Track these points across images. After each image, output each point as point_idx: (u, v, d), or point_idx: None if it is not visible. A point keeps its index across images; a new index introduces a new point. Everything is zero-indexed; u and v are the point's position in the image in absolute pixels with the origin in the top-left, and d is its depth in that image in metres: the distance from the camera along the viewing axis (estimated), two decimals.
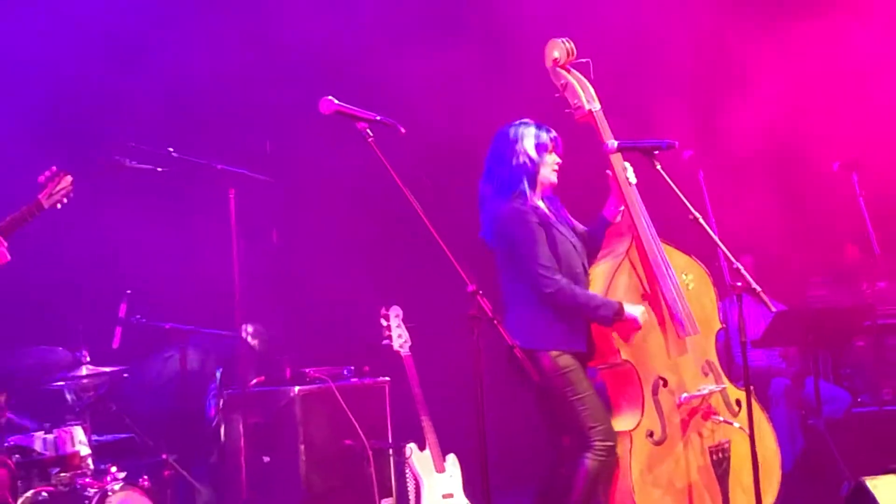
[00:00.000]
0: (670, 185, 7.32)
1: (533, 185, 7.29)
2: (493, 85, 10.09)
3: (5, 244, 6.44)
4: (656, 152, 7.31)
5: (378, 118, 6.51)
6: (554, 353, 7.13)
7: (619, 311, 7.10)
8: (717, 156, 8.27)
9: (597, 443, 7.09)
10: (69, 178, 6.70)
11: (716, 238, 7.35)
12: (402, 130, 6.60)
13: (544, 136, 7.36)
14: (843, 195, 10.05)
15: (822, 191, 10.28)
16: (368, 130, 6.46)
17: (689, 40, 10.20)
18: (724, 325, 7.46)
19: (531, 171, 7.29)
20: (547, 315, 7.17)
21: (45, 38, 10.09)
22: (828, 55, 10.73)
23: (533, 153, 7.30)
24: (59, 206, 6.68)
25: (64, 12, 10.17)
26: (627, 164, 7.44)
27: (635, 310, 7.16)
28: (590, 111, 7.42)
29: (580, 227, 7.54)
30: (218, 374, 9.34)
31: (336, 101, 6.49)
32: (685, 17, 10.44)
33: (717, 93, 10.43)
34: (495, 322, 6.03)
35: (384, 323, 8.97)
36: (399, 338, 8.95)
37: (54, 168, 6.67)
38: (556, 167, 7.38)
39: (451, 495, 8.89)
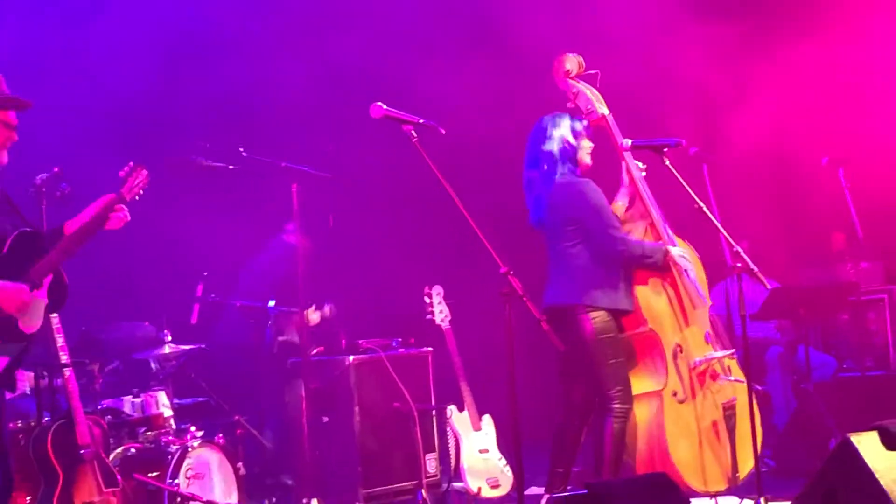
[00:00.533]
0: (678, 179, 7.51)
1: (574, 167, 7.40)
2: (514, 92, 10.12)
3: (125, 212, 6.47)
4: (665, 149, 7.45)
5: (421, 121, 6.64)
6: (596, 315, 7.22)
7: (667, 251, 7.34)
8: (719, 152, 8.34)
9: (616, 405, 7.18)
10: (145, 172, 6.61)
11: (718, 225, 7.50)
12: (443, 131, 6.74)
13: (578, 125, 7.45)
14: (831, 187, 10.13)
15: (812, 183, 10.29)
16: (413, 132, 6.60)
17: (694, 52, 10.17)
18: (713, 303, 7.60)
19: (571, 154, 7.39)
20: (598, 273, 7.27)
21: (127, 45, 10.08)
22: (819, 65, 10.63)
23: (571, 139, 7.39)
24: (137, 197, 6.59)
25: (143, 21, 10.23)
26: (639, 162, 7.58)
27: (676, 250, 7.41)
28: (602, 115, 7.54)
29: None
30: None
31: (384, 107, 6.63)
32: (688, 30, 10.44)
33: (719, 97, 10.40)
34: (525, 299, 6.19)
35: (427, 300, 9.11)
36: (440, 313, 9.10)
37: (132, 163, 6.60)
38: (590, 149, 7.49)
39: (486, 451, 9.03)
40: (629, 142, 7.45)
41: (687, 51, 10.10)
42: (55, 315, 6.97)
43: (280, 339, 9.43)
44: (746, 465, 7.34)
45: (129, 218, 6.45)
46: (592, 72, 7.64)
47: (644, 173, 7.56)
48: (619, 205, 7.58)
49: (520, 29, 10.41)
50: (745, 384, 7.47)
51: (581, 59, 7.64)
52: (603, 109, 7.56)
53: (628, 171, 7.54)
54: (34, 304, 6.06)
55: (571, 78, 7.64)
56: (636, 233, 7.52)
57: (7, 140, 6.18)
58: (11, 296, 5.95)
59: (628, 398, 7.26)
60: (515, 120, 8.41)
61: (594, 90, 7.62)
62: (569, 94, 7.64)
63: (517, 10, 10.49)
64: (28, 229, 6.24)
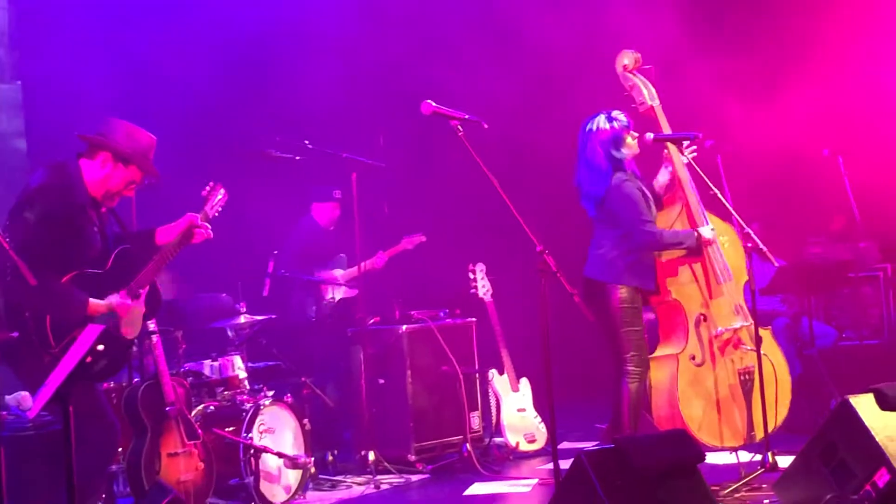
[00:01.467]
0: (695, 168, 7.46)
1: (618, 161, 7.33)
2: (551, 87, 10.01)
3: (208, 230, 6.45)
4: (685, 142, 7.46)
5: (466, 117, 6.60)
6: (624, 289, 7.23)
7: (699, 234, 7.30)
8: (731, 144, 8.26)
9: (631, 367, 7.21)
10: (223, 191, 6.67)
11: (731, 209, 7.45)
12: (485, 126, 6.70)
13: (617, 125, 7.37)
14: (831, 175, 10.07)
15: (814, 172, 10.22)
16: (459, 127, 6.56)
17: (710, 58, 10.14)
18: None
19: (614, 149, 7.33)
20: (629, 256, 7.27)
21: (205, 50, 10.07)
22: (821, 65, 10.62)
23: (611, 141, 7.34)
24: (216, 214, 6.65)
25: (218, 26, 10.20)
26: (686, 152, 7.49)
27: (706, 231, 7.35)
28: (651, 106, 7.58)
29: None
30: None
31: (434, 104, 6.59)
32: (700, 33, 10.41)
33: (730, 94, 10.36)
34: (558, 275, 6.17)
35: (471, 276, 9.15)
36: (483, 287, 9.13)
37: (211, 183, 6.64)
38: (635, 140, 7.41)
39: (523, 409, 9.10)
40: (651, 135, 7.42)
41: (702, 56, 10.02)
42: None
43: (339, 309, 9.35)
44: (771, 424, 7.23)
45: (211, 235, 6.50)
46: (647, 67, 7.64)
47: (685, 160, 7.44)
48: (660, 180, 7.58)
49: (548, 28, 10.28)
50: (762, 353, 7.37)
51: (638, 55, 7.66)
52: (653, 102, 7.59)
53: (669, 158, 7.51)
54: (135, 313, 6.12)
55: (629, 71, 7.64)
56: (673, 212, 7.52)
57: (126, 193, 6.34)
58: (123, 308, 6.07)
59: (642, 362, 7.27)
60: (553, 114, 8.36)
61: (648, 83, 7.63)
62: (625, 86, 7.66)
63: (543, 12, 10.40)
64: (128, 246, 6.26)
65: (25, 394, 7.57)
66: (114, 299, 6.01)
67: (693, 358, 7.35)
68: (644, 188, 7.40)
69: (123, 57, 9.59)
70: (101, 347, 5.88)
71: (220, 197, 6.63)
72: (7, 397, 7.37)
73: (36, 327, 5.74)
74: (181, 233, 6.37)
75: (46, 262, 5.80)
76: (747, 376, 7.37)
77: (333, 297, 9.01)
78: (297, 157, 8.41)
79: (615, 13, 10.24)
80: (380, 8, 10.66)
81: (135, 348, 7.61)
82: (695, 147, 7.45)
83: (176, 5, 10.29)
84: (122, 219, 6.51)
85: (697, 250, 7.38)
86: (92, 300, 5.93)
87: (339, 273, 9.42)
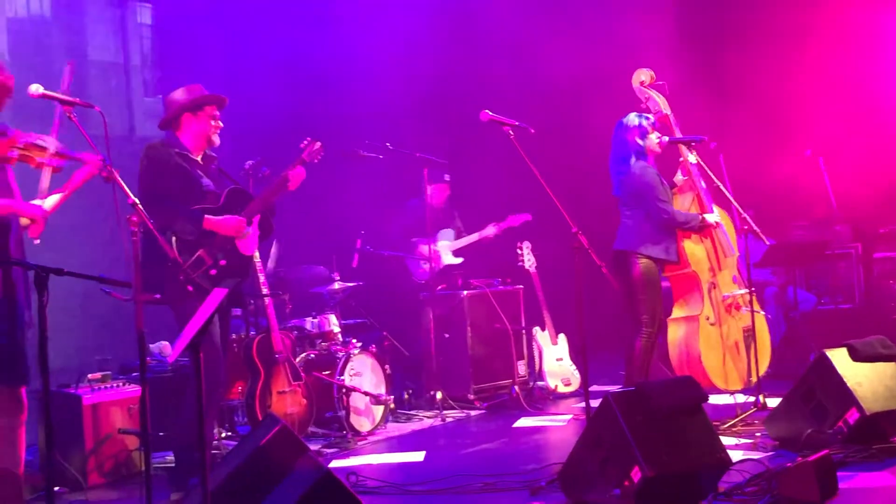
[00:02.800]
0: (702, 165, 7.45)
1: (642, 155, 7.32)
2: (602, 85, 9.89)
3: (304, 173, 6.43)
4: (693, 144, 7.46)
5: (517, 123, 6.60)
6: (643, 259, 7.22)
7: (703, 219, 7.30)
8: (731, 146, 8.22)
9: (644, 328, 7.21)
10: (319, 144, 6.61)
11: (731, 198, 7.47)
12: (532, 131, 6.70)
13: (644, 122, 7.36)
14: (813, 171, 10.03)
15: (799, 168, 10.14)
16: (510, 131, 6.56)
17: (705, 69, 10.08)
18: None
19: (640, 145, 7.31)
20: (650, 232, 7.26)
21: (303, 63, 10.20)
22: (805, 74, 10.52)
23: (639, 135, 7.32)
24: (315, 161, 6.58)
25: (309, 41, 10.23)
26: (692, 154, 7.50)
27: (711, 217, 7.35)
28: (665, 115, 7.55)
29: None
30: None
31: (490, 113, 6.59)
32: (699, 54, 10.31)
33: (728, 103, 10.30)
34: (590, 251, 6.19)
35: (519, 252, 9.18)
36: (529, 261, 9.15)
37: (308, 139, 6.61)
38: (658, 139, 7.38)
39: (561, 359, 9.12)
40: (666, 139, 7.41)
41: (701, 62, 9.94)
42: (258, 260, 7.05)
43: (443, 274, 9.38)
44: (761, 370, 7.36)
45: (304, 175, 6.46)
46: (660, 83, 7.61)
47: (694, 159, 7.48)
48: (679, 177, 7.58)
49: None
50: (760, 314, 7.49)
51: (653, 72, 7.64)
52: (666, 111, 7.57)
53: (684, 157, 7.49)
54: (247, 231, 6.14)
55: (645, 86, 7.62)
56: (686, 200, 7.51)
57: (216, 128, 6.25)
58: (233, 223, 6.05)
59: (653, 324, 7.26)
60: (586, 120, 8.34)
61: (661, 96, 7.60)
62: (641, 98, 7.62)
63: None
64: (239, 187, 6.33)
65: (166, 343, 7.72)
66: (227, 218, 6.05)
67: (708, 318, 7.34)
68: (661, 177, 7.39)
69: (241, 72, 9.66)
70: (223, 262, 5.99)
71: (316, 148, 6.60)
72: (151, 346, 7.51)
73: (167, 264, 5.71)
74: (281, 177, 6.39)
75: (167, 199, 5.92)
76: (749, 332, 7.37)
77: (430, 267, 8.97)
78: (381, 156, 8.45)
79: (626, 33, 10.17)
80: (437, 39, 10.62)
81: (252, 306, 7.72)
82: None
83: (279, 34, 10.35)
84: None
85: (705, 231, 7.39)
86: (207, 216, 5.99)
87: (445, 244, 9.39)
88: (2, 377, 4.87)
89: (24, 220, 5.13)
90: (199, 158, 6.20)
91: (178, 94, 6.25)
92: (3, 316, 4.83)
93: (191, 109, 6.16)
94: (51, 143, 5.06)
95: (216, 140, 6.27)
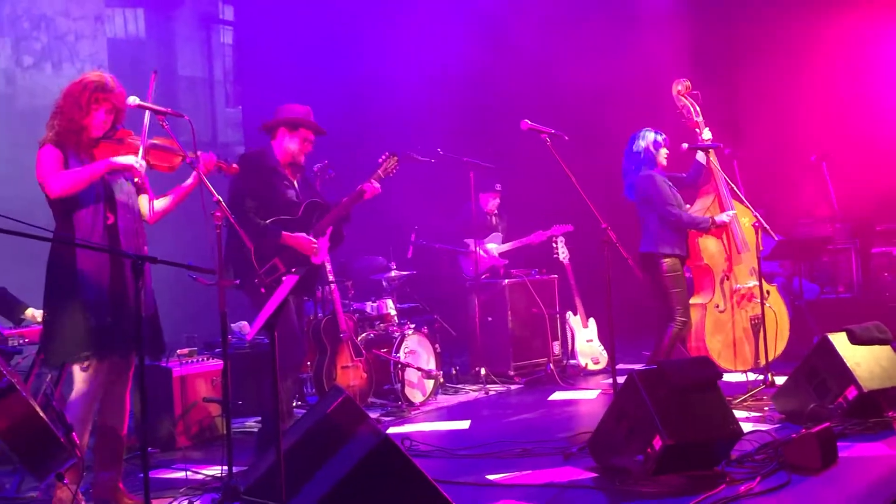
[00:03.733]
0: (717, 168, 7.39)
1: (654, 164, 7.28)
2: (628, 95, 9.91)
3: (379, 188, 6.41)
4: (710, 149, 7.41)
5: (553, 131, 6.58)
6: (668, 259, 7.17)
7: (713, 221, 7.25)
8: (745, 152, 8.17)
9: (678, 317, 7.15)
10: (396, 159, 6.54)
11: (744, 199, 7.41)
12: (566, 138, 6.67)
13: (658, 138, 7.31)
14: (818, 175, 9.94)
15: (806, 172, 10.08)
16: (547, 138, 6.54)
17: (721, 76, 10.01)
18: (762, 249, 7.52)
19: (651, 157, 7.27)
20: (666, 233, 7.20)
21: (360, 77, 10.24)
22: (810, 85, 10.44)
23: (652, 148, 7.28)
24: (390, 175, 6.51)
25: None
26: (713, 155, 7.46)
27: (722, 216, 7.30)
28: (696, 122, 7.47)
29: (679, 175, 7.53)
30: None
31: (530, 122, 6.56)
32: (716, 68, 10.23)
33: (741, 114, 10.22)
34: (617, 245, 6.16)
35: (554, 245, 9.13)
36: (563, 253, 9.10)
37: (387, 153, 6.54)
38: (666, 154, 7.35)
39: (591, 340, 9.07)
40: (686, 145, 7.36)
41: (716, 77, 9.85)
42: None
43: (489, 271, 9.34)
44: (772, 354, 7.32)
45: (379, 190, 6.43)
46: (695, 92, 7.55)
47: (715, 163, 7.44)
48: (697, 207, 7.52)
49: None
50: (778, 308, 7.49)
51: (689, 83, 7.57)
52: (698, 118, 7.49)
53: (708, 161, 7.44)
54: (317, 249, 6.10)
55: (682, 95, 7.55)
56: (707, 200, 7.49)
57: (305, 149, 6.25)
58: (305, 244, 6.03)
59: (686, 314, 7.21)
60: (619, 121, 8.31)
61: (695, 103, 7.52)
62: (678, 105, 7.55)
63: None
64: (316, 200, 6.27)
65: (244, 323, 7.77)
66: (299, 236, 6.01)
67: (717, 307, 7.33)
68: (670, 183, 7.34)
69: (310, 85, 9.69)
70: (294, 270, 5.99)
71: (392, 163, 6.52)
72: (232, 325, 7.57)
73: (248, 259, 5.73)
74: (355, 193, 6.33)
75: (253, 211, 5.92)
76: (756, 321, 7.32)
77: (478, 265, 8.99)
78: (433, 160, 8.45)
79: (646, 49, 10.11)
80: (483, 58, 10.60)
81: (322, 293, 7.75)
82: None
83: (342, 53, 10.41)
84: (320, 194, 6.53)
85: (718, 230, 7.33)
86: (285, 232, 5.98)
87: (493, 247, 9.36)
88: (115, 349, 4.92)
89: (143, 211, 5.16)
90: (287, 170, 6.20)
91: (285, 108, 6.25)
92: (113, 298, 4.88)
93: (288, 126, 6.17)
94: (162, 144, 5.12)
95: (302, 160, 6.27)
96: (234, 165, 5.30)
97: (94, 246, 4.80)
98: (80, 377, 4.87)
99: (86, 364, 4.86)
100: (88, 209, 4.86)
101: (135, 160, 4.87)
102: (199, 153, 5.11)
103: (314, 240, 6.07)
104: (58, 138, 4.84)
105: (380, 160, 6.54)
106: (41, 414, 3.77)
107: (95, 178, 4.84)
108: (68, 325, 4.79)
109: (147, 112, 4.97)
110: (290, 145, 6.16)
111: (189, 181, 5.14)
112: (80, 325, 4.79)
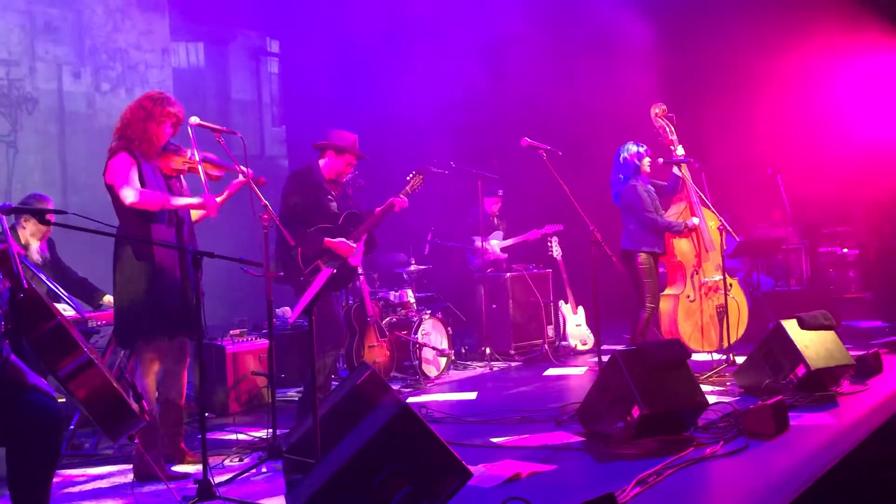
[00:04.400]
0: (688, 180, 7.38)
1: (638, 174, 7.26)
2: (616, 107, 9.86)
3: (407, 203, 6.42)
4: (683, 163, 7.38)
5: (549, 148, 6.58)
6: (643, 254, 7.17)
7: (685, 224, 7.25)
8: (711, 166, 8.14)
9: (647, 304, 7.18)
10: (422, 177, 6.59)
11: (710, 206, 7.41)
12: (560, 153, 6.66)
13: (640, 149, 7.29)
14: (773, 186, 9.88)
15: (762, 182, 10.03)
16: (544, 154, 6.53)
17: (692, 96, 10.00)
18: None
19: (635, 167, 7.25)
20: (644, 234, 7.20)
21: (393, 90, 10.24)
22: (768, 105, 10.44)
23: (636, 159, 7.26)
24: (415, 191, 6.57)
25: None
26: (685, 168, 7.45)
27: (692, 220, 7.30)
28: (672, 140, 7.45)
29: (661, 184, 7.52)
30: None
31: (529, 140, 6.56)
32: (699, 87, 10.21)
33: (708, 133, 10.19)
34: (603, 244, 6.17)
35: (549, 244, 9.11)
36: (556, 251, 9.09)
37: (415, 172, 6.59)
38: (649, 165, 7.31)
39: (580, 325, 9.04)
40: (661, 160, 7.36)
41: (686, 96, 9.83)
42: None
43: (492, 264, 9.28)
44: (734, 337, 7.37)
45: (406, 204, 6.44)
46: (670, 115, 7.53)
47: (686, 176, 7.45)
48: (671, 213, 7.47)
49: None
50: (739, 298, 7.54)
51: (664, 106, 7.55)
52: (673, 136, 7.46)
53: (681, 173, 7.44)
54: (355, 251, 6.13)
55: (658, 116, 7.52)
56: (680, 207, 7.46)
57: (347, 171, 6.31)
58: (344, 248, 6.04)
59: (654, 301, 7.22)
60: (601, 144, 8.28)
61: (670, 124, 7.50)
62: (655, 125, 7.52)
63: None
64: (354, 211, 6.28)
65: (287, 308, 7.78)
66: (339, 241, 6.03)
67: (688, 297, 7.32)
68: (651, 190, 7.31)
69: (343, 107, 9.73)
70: (335, 270, 6.03)
71: (418, 181, 6.57)
72: (277, 310, 7.58)
73: (294, 260, 5.82)
74: (386, 205, 6.34)
75: (299, 219, 5.94)
76: (720, 309, 7.31)
77: (482, 258, 8.98)
78: (446, 171, 8.42)
79: (625, 80, 10.08)
80: (489, 84, 10.57)
81: (353, 284, 7.75)
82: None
83: (370, 79, 10.41)
84: (357, 203, 6.55)
85: (689, 232, 7.32)
86: (327, 238, 6.00)
87: (495, 243, 9.33)
88: (180, 331, 4.93)
89: (194, 214, 5.18)
90: (330, 185, 6.21)
91: (337, 134, 6.24)
92: (181, 287, 4.88)
93: (336, 150, 6.18)
94: (212, 158, 5.12)
95: (343, 179, 6.34)
96: (262, 178, 5.25)
97: (171, 244, 4.81)
98: (150, 355, 4.87)
99: (157, 343, 4.87)
100: (164, 212, 4.89)
101: (203, 203, 4.92)
102: (241, 167, 5.12)
103: (350, 244, 6.08)
104: (130, 147, 4.83)
105: (408, 178, 6.56)
106: (115, 384, 3.78)
107: (167, 208, 4.87)
108: (144, 310, 4.79)
109: (191, 129, 4.97)
110: (336, 166, 6.19)
111: (222, 197, 5.13)
112: (155, 310, 4.80)
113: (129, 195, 4.74)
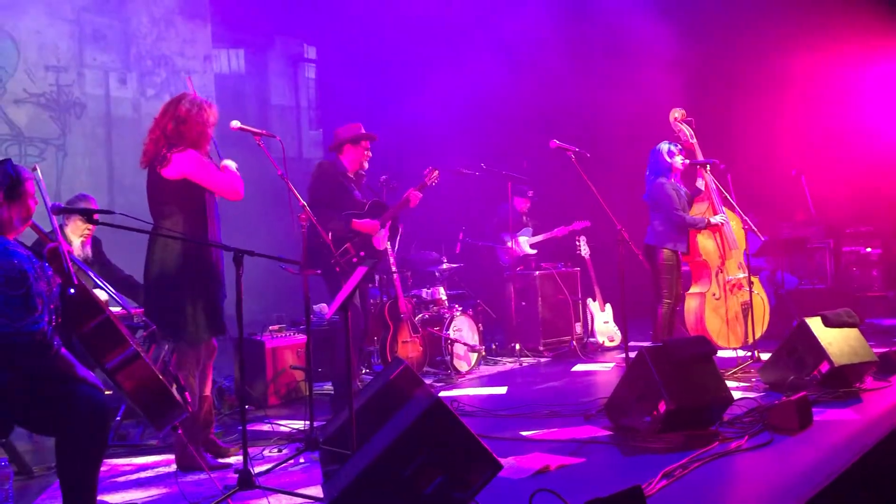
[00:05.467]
0: (713, 181, 7.32)
1: (669, 172, 7.22)
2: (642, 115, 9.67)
3: (421, 195, 6.48)
4: (707, 165, 7.33)
5: (577, 149, 6.56)
6: (666, 251, 7.12)
7: (709, 221, 7.19)
8: (737, 167, 8.07)
9: (664, 300, 7.12)
10: (437, 172, 6.67)
11: (736, 206, 7.35)
12: (588, 155, 6.64)
13: (672, 147, 7.25)
14: (797, 186, 9.81)
15: (787, 183, 9.96)
16: (572, 155, 6.51)
17: (720, 102, 9.89)
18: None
19: (667, 165, 7.21)
20: (669, 232, 7.14)
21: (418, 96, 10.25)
22: (793, 109, 10.33)
23: (667, 157, 7.21)
24: (432, 185, 6.63)
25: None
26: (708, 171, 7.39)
27: (716, 219, 7.23)
28: (691, 143, 7.40)
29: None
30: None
31: (557, 141, 6.54)
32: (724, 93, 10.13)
33: (735, 135, 10.11)
34: (630, 243, 6.15)
35: (577, 243, 9.07)
36: (584, 250, 9.04)
37: (430, 167, 6.66)
38: (683, 163, 7.26)
39: (607, 322, 9.00)
40: (687, 161, 7.30)
41: (712, 97, 9.75)
42: (390, 248, 7.10)
43: (522, 261, 9.28)
44: (757, 334, 7.29)
45: (420, 196, 6.53)
46: (689, 119, 7.48)
47: (710, 177, 7.39)
48: (700, 183, 7.42)
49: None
50: (761, 295, 7.44)
51: (684, 111, 7.50)
52: (692, 140, 7.42)
53: (701, 173, 7.39)
54: (380, 232, 6.28)
55: (678, 121, 7.49)
56: (702, 206, 7.39)
57: (367, 156, 6.41)
58: (370, 225, 6.20)
59: (670, 296, 7.15)
60: (630, 142, 8.25)
61: (689, 128, 7.46)
62: (674, 129, 7.48)
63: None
64: (378, 200, 6.42)
65: (323, 305, 7.81)
66: (367, 220, 6.19)
67: (714, 295, 7.24)
68: (679, 189, 7.27)
69: (375, 111, 9.74)
70: (362, 253, 6.11)
71: (434, 175, 6.66)
72: (314, 306, 7.62)
73: (325, 247, 5.83)
74: (404, 198, 6.47)
75: (328, 207, 6.07)
76: (745, 307, 7.25)
77: (512, 255, 8.98)
78: (477, 173, 8.44)
79: (654, 83, 10.02)
80: (519, 87, 10.57)
81: (387, 278, 7.78)
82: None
83: (401, 84, 10.43)
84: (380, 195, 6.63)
85: (713, 229, 7.25)
86: (354, 219, 6.15)
87: (524, 240, 9.31)
88: (217, 329, 4.93)
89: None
90: (352, 176, 6.35)
91: (344, 129, 6.37)
92: (220, 285, 4.89)
93: (351, 142, 6.30)
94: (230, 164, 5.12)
95: (366, 165, 6.44)
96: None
97: (214, 243, 4.80)
98: (192, 351, 4.87)
99: (204, 339, 4.87)
100: (213, 210, 4.89)
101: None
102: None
103: (378, 223, 6.24)
104: (192, 144, 4.81)
105: (424, 172, 6.66)
106: (160, 377, 3.82)
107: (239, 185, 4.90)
108: (192, 307, 4.75)
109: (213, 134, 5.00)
110: (357, 156, 6.33)
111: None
112: (203, 307, 4.77)
113: (240, 190, 4.80)
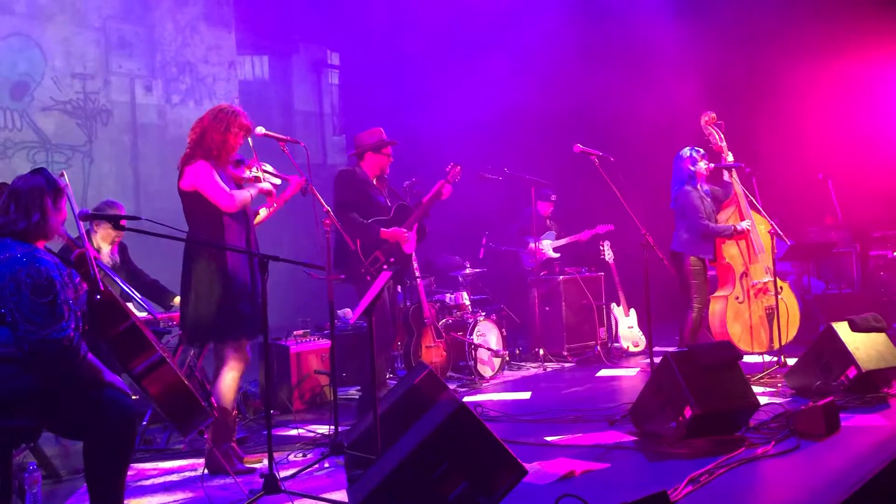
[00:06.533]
0: (739, 185, 7.27)
1: (693, 178, 7.19)
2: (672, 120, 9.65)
3: (451, 188, 6.53)
4: (732, 169, 7.28)
5: (601, 153, 6.53)
6: (693, 258, 7.10)
7: (734, 228, 7.13)
8: (763, 171, 8.01)
9: (694, 304, 7.08)
10: (459, 168, 6.64)
11: (762, 210, 7.29)
12: (612, 159, 6.61)
13: (694, 153, 7.21)
14: (824, 190, 9.73)
15: (814, 187, 9.87)
16: (595, 159, 6.49)
17: (743, 106, 9.83)
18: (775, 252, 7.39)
19: (691, 173, 7.18)
20: (695, 239, 7.12)
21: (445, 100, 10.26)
22: (819, 113, 10.25)
23: (689, 164, 7.19)
24: (455, 180, 6.60)
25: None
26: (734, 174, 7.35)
27: (742, 224, 7.17)
28: (721, 147, 7.36)
29: (718, 189, 7.42)
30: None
31: (581, 146, 6.52)
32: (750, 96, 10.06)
33: (760, 139, 10.04)
34: (654, 247, 6.11)
35: (601, 247, 9.03)
36: (608, 254, 8.99)
37: (452, 163, 6.64)
38: (707, 168, 7.23)
39: (632, 326, 8.93)
40: (712, 164, 7.26)
41: (738, 101, 9.67)
42: (413, 254, 7.12)
43: (546, 265, 9.26)
44: (785, 339, 7.21)
45: (451, 190, 6.57)
46: (719, 122, 7.43)
47: (736, 180, 7.35)
48: (722, 217, 7.34)
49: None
50: (790, 299, 7.34)
51: (714, 114, 7.46)
52: (722, 143, 7.37)
53: (731, 178, 7.35)
54: (408, 238, 6.29)
55: (708, 124, 7.44)
56: (729, 211, 7.34)
57: (388, 162, 6.42)
58: (398, 234, 6.23)
59: (701, 302, 7.13)
60: (654, 146, 8.20)
61: (719, 131, 7.41)
62: (705, 132, 7.44)
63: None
64: (403, 203, 6.46)
65: (348, 310, 7.84)
66: (393, 229, 6.21)
67: (737, 298, 7.19)
68: (705, 196, 7.22)
69: (399, 116, 9.75)
70: (392, 259, 6.14)
71: (457, 170, 6.66)
72: (338, 311, 7.64)
73: (354, 255, 5.90)
74: (433, 192, 6.49)
75: (355, 212, 6.10)
76: (770, 310, 7.19)
77: (536, 259, 8.97)
78: (500, 178, 8.43)
79: (677, 89, 9.98)
80: (543, 94, 10.55)
81: (409, 284, 7.79)
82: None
83: (425, 90, 10.43)
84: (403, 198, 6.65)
85: (739, 236, 7.21)
86: (382, 229, 6.18)
87: (548, 243, 9.29)
88: (252, 334, 4.94)
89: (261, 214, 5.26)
90: (375, 181, 6.35)
91: (365, 136, 6.39)
92: (249, 291, 4.90)
93: (373, 149, 6.30)
94: (269, 168, 5.18)
95: (387, 170, 6.45)
96: (310, 185, 5.30)
97: (240, 249, 4.84)
98: (231, 358, 4.87)
99: (236, 345, 4.89)
100: (239, 216, 4.93)
101: (270, 188, 5.01)
102: (288, 177, 5.19)
103: (404, 230, 6.25)
104: (207, 155, 4.86)
105: (447, 168, 6.67)
106: (186, 382, 3.85)
107: (247, 203, 4.96)
108: (222, 314, 4.77)
109: (251, 140, 5.05)
110: (379, 162, 6.34)
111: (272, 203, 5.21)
112: (231, 314, 4.79)
113: (228, 205, 4.81)
